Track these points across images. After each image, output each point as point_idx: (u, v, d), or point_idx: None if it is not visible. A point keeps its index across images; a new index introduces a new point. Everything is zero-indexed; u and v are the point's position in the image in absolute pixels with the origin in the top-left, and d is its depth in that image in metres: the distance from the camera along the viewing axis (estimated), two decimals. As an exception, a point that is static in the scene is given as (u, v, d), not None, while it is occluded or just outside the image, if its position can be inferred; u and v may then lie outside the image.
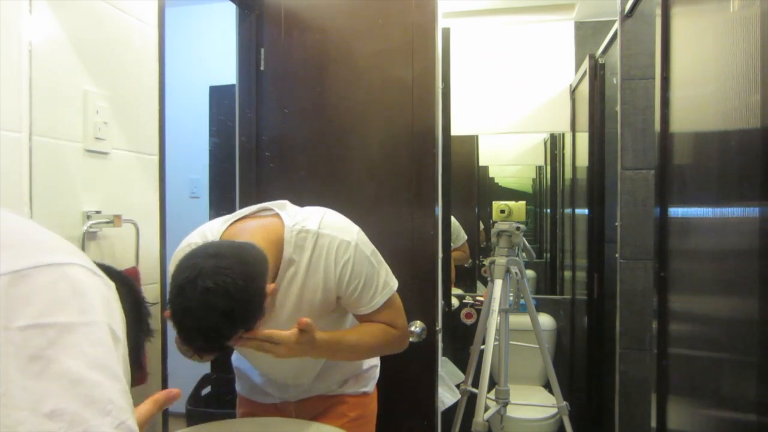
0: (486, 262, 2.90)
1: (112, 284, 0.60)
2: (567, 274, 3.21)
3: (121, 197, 1.25)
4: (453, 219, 2.94)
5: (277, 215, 1.21)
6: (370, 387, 1.45)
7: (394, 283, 1.29)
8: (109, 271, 0.73)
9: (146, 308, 0.95)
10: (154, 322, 1.31)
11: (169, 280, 1.37)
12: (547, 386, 2.81)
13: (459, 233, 3.13)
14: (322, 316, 1.25)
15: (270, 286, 1.07)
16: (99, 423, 0.47)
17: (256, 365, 1.38)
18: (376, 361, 1.48)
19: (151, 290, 1.34)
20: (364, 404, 1.44)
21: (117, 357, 0.53)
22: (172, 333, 1.39)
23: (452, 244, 2.87)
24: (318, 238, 1.19)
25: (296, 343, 1.10)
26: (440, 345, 1.81)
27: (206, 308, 0.96)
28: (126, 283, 0.88)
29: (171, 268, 1.21)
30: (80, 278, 0.54)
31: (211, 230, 1.21)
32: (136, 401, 1.40)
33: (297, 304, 1.22)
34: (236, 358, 1.46)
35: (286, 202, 1.26)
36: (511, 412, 2.49)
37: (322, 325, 1.24)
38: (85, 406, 0.47)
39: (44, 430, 0.45)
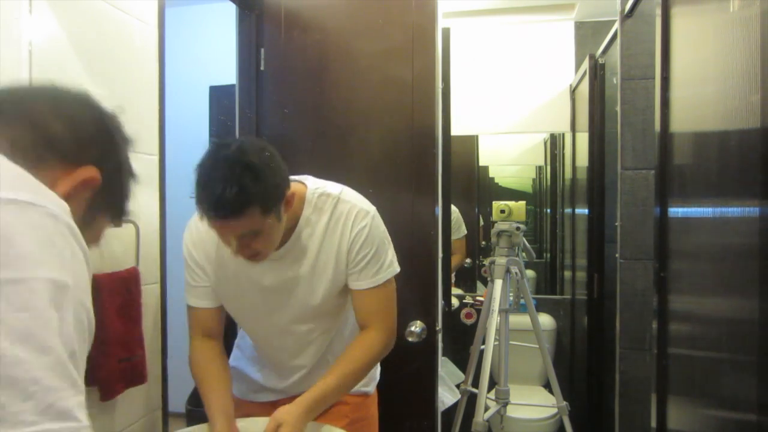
0: (486, 262, 2.90)
1: (60, 209, 0.50)
2: (567, 274, 3.21)
3: (121, 197, 1.24)
4: (455, 209, 2.94)
5: (300, 182, 1.28)
6: (371, 387, 1.45)
7: (397, 267, 1.32)
8: (64, 100, 0.67)
9: (117, 127, 0.74)
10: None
11: (169, 284, 1.39)
12: (547, 386, 2.80)
13: (460, 225, 3.12)
14: (332, 295, 1.27)
15: (290, 192, 1.15)
16: (18, 409, 0.39)
17: (258, 343, 1.39)
18: None
19: (151, 290, 1.34)
20: (365, 406, 1.43)
21: (56, 318, 0.44)
22: (172, 333, 1.40)
23: (452, 236, 2.86)
24: (338, 203, 1.25)
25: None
26: (440, 345, 1.81)
27: (238, 161, 1.04)
28: (82, 102, 0.70)
29: (186, 234, 1.31)
30: (6, 220, 0.44)
31: None
32: (137, 401, 1.39)
33: (313, 266, 1.25)
34: (233, 358, 1.46)
35: (308, 177, 1.31)
36: (511, 412, 2.49)
37: (326, 307, 1.28)
38: (1, 389, 0.39)
39: None
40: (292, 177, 1.28)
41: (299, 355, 1.36)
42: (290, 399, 1.37)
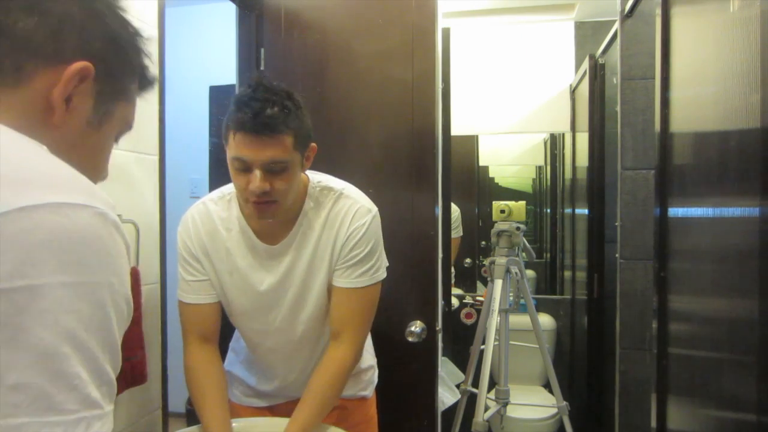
0: (486, 262, 2.90)
1: (105, 209, 0.51)
2: (567, 274, 3.21)
3: (121, 197, 1.24)
4: (456, 209, 2.94)
5: (304, 173, 1.28)
6: (369, 391, 1.44)
7: (383, 274, 1.30)
8: None
9: (117, 18, 0.66)
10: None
11: (169, 284, 1.39)
12: (547, 386, 2.80)
13: (458, 226, 3.12)
14: (326, 290, 1.26)
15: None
16: (64, 399, 0.46)
17: (252, 344, 1.36)
18: (372, 362, 1.47)
19: (151, 290, 1.34)
20: (363, 409, 1.42)
21: (96, 318, 0.49)
22: (172, 333, 1.40)
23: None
24: (339, 198, 1.25)
25: None
26: (440, 345, 1.81)
27: (279, 87, 1.12)
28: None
29: (181, 227, 1.30)
30: (57, 224, 0.47)
31: (230, 186, 1.25)
32: (137, 401, 1.40)
33: (310, 261, 1.24)
34: (228, 363, 1.44)
35: (314, 171, 1.32)
36: (511, 412, 2.49)
37: (324, 303, 1.27)
38: (50, 380, 0.45)
39: (7, 402, 0.43)
40: None
41: (292, 357, 1.34)
42: (285, 404, 1.37)
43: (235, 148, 1.10)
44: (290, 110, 1.10)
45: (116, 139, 0.68)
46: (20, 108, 0.56)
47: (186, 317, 1.29)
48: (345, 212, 1.24)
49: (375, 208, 1.28)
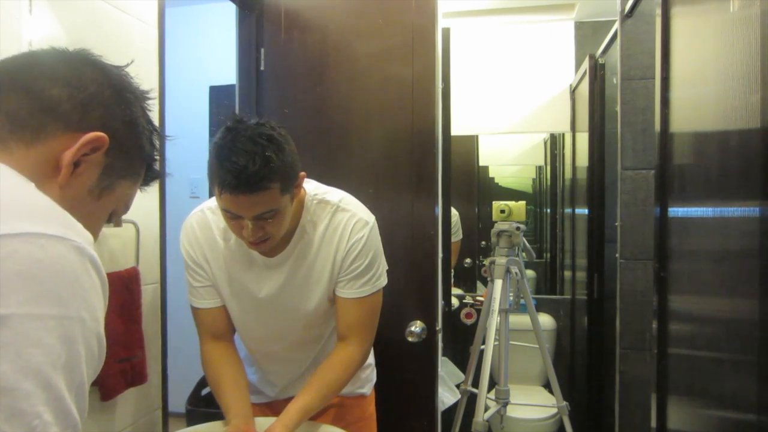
0: (486, 262, 2.90)
1: (83, 243, 0.51)
2: (567, 274, 3.21)
3: (121, 197, 1.24)
4: (455, 212, 2.94)
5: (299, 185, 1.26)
6: (368, 389, 1.45)
7: (385, 281, 1.31)
8: (62, 63, 0.63)
9: (124, 82, 0.67)
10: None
11: (169, 284, 1.39)
12: (547, 386, 2.80)
13: (458, 230, 3.12)
14: (324, 302, 1.26)
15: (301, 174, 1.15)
16: None
17: (251, 347, 1.37)
18: (371, 360, 1.47)
19: (150, 291, 1.34)
20: (362, 407, 1.43)
21: (64, 354, 0.46)
22: (172, 333, 1.40)
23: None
24: (336, 212, 1.23)
25: None
26: (440, 345, 1.81)
27: (258, 134, 1.04)
28: (81, 61, 0.65)
29: (183, 235, 1.28)
30: (30, 254, 0.46)
31: None
32: (137, 401, 1.39)
33: (308, 274, 1.24)
34: None
35: (309, 180, 1.29)
36: (511, 412, 2.49)
37: (322, 313, 1.27)
38: (6, 420, 0.42)
39: None
40: None
41: (291, 360, 1.35)
42: (285, 401, 1.37)
43: (221, 201, 1.09)
44: (273, 159, 1.04)
45: (110, 218, 0.70)
46: (31, 161, 0.58)
47: (199, 320, 1.31)
48: (343, 226, 1.22)
49: (372, 218, 1.27)
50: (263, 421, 1.32)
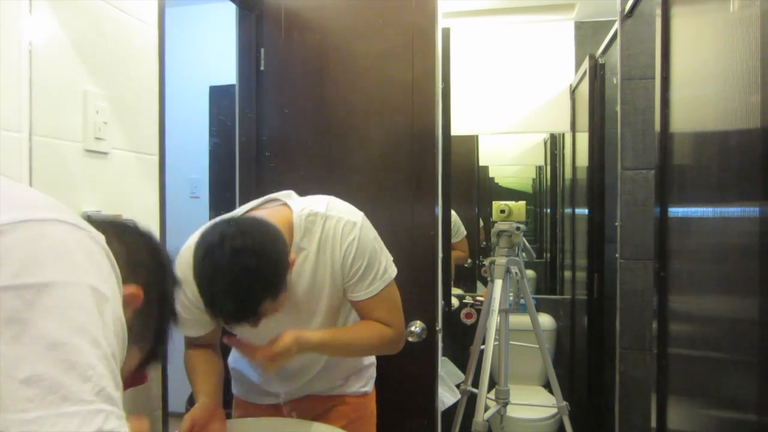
0: (486, 262, 2.90)
1: (100, 237, 0.56)
2: (567, 274, 3.21)
3: (121, 197, 1.24)
4: (453, 213, 2.94)
5: (285, 204, 1.24)
6: (370, 386, 1.46)
7: (393, 271, 1.30)
8: (124, 227, 0.71)
9: (169, 265, 0.77)
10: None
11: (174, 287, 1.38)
12: (547, 386, 2.80)
13: (459, 228, 3.13)
14: (332, 309, 1.27)
15: (291, 257, 1.10)
16: (78, 389, 0.45)
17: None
18: (372, 358, 1.48)
19: (151, 290, 1.33)
20: (364, 404, 1.44)
21: (101, 321, 0.50)
22: (172, 333, 1.39)
23: (452, 239, 2.86)
24: (326, 220, 1.22)
25: (273, 356, 1.13)
26: (440, 345, 1.81)
27: (235, 269, 0.98)
28: (148, 244, 0.73)
29: (178, 270, 1.22)
30: (59, 235, 0.51)
31: None
32: (137, 401, 1.39)
33: (310, 288, 1.23)
34: (233, 360, 1.45)
35: (291, 192, 1.28)
36: (511, 412, 2.49)
37: (328, 322, 1.27)
38: (64, 371, 0.45)
39: (20, 396, 0.42)
40: (273, 196, 1.27)
41: (296, 372, 1.35)
42: (293, 402, 1.37)
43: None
44: (256, 292, 1.02)
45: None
46: None
47: (185, 336, 1.32)
48: (333, 233, 1.22)
49: (359, 217, 1.25)
50: (267, 422, 1.32)
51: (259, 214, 1.21)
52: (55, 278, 0.47)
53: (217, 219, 1.18)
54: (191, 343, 1.32)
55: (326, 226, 1.22)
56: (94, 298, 0.50)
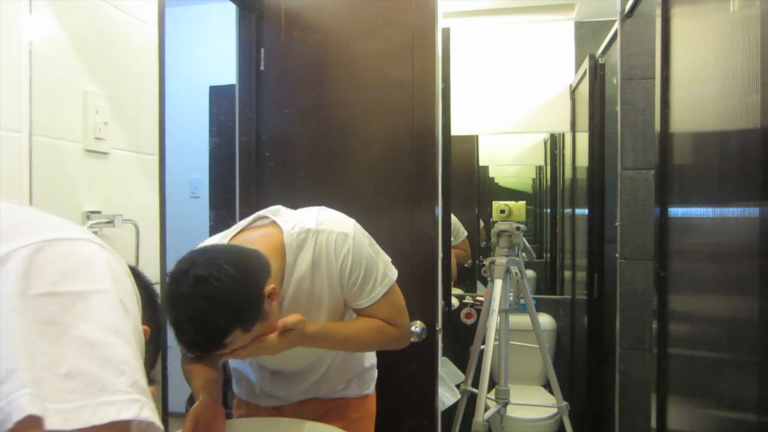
0: (486, 262, 2.90)
1: (122, 260, 0.61)
2: (567, 274, 3.21)
3: (121, 197, 1.24)
4: (452, 216, 2.95)
5: (274, 223, 1.21)
6: (371, 388, 1.46)
7: (393, 274, 1.29)
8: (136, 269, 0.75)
9: (162, 311, 0.83)
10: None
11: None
12: (547, 386, 2.80)
13: (459, 230, 3.13)
14: (335, 316, 1.26)
15: (269, 287, 1.05)
16: (114, 381, 0.49)
17: (258, 368, 1.38)
18: (373, 359, 1.48)
19: (151, 290, 1.33)
20: (365, 406, 1.44)
21: (128, 325, 0.55)
22: (172, 333, 1.39)
23: (452, 241, 2.87)
24: (318, 235, 1.20)
25: (280, 342, 1.11)
26: (440, 345, 1.81)
27: (197, 297, 0.96)
28: (142, 282, 0.78)
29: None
30: (89, 251, 0.57)
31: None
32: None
33: (308, 304, 1.22)
34: (234, 360, 1.45)
35: (279, 208, 1.26)
36: (511, 412, 2.49)
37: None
38: (100, 366, 0.49)
39: (62, 389, 0.46)
40: (261, 213, 1.24)
41: (299, 377, 1.35)
42: (295, 405, 1.37)
43: None
44: (218, 321, 0.97)
45: None
46: None
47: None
48: (326, 248, 1.19)
49: (350, 226, 1.23)
50: (267, 421, 1.32)
51: (249, 237, 1.19)
52: (89, 287, 0.53)
53: (199, 245, 1.15)
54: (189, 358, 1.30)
55: (318, 241, 1.19)
56: (122, 306, 0.55)
